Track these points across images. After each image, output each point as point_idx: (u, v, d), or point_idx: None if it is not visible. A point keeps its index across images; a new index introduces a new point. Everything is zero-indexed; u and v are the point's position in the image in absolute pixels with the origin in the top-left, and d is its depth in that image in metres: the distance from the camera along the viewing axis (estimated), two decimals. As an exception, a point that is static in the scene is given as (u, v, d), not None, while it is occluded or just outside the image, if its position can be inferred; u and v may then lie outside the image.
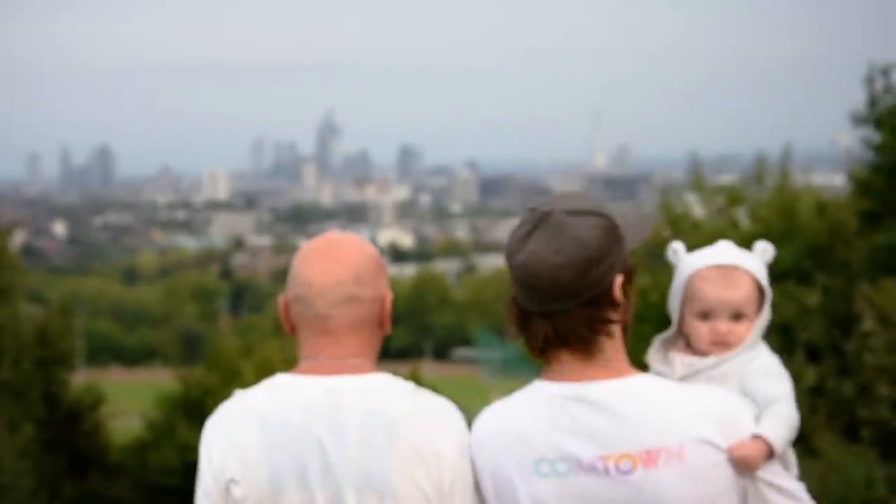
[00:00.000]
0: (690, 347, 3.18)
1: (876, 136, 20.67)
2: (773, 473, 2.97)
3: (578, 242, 2.94)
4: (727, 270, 3.15)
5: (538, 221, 2.99)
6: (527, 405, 3.03)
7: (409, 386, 3.10)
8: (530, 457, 2.96)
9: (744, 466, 2.92)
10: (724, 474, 2.92)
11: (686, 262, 3.21)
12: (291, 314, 3.18)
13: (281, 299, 3.20)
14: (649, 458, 2.90)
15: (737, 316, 3.13)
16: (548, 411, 2.98)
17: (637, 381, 2.99)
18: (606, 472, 2.91)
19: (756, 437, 2.93)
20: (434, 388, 3.27)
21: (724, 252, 3.19)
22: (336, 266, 3.12)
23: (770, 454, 2.94)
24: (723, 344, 3.13)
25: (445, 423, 3.05)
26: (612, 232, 2.99)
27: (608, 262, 2.96)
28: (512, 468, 2.97)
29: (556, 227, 2.96)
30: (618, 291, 2.98)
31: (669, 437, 2.91)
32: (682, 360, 3.15)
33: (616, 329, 3.01)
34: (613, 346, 3.01)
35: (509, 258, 3.03)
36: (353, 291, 3.11)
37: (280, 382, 3.12)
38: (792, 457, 3.08)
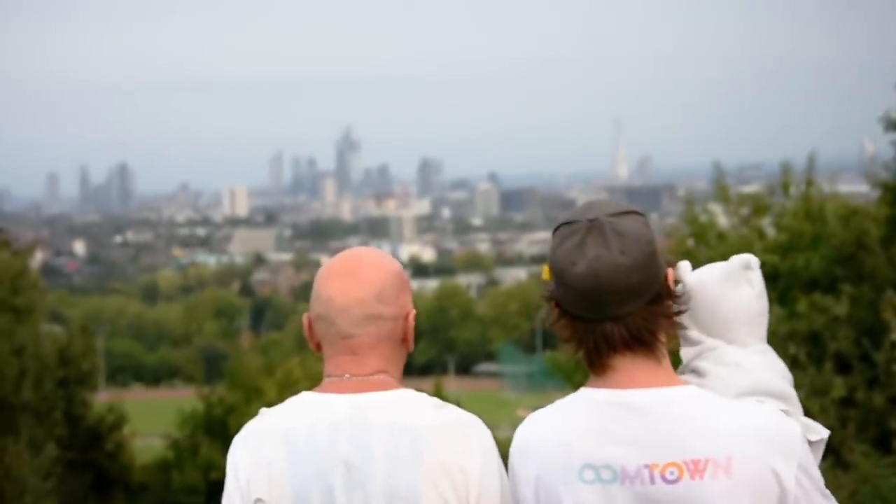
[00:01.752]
0: None
1: (905, 142, 20.46)
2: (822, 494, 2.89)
3: (639, 239, 2.89)
4: None
5: (587, 229, 2.91)
6: (570, 412, 2.97)
7: (434, 400, 3.08)
8: (574, 464, 2.90)
9: None
10: (771, 492, 2.85)
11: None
12: (315, 332, 3.16)
13: (305, 317, 3.18)
14: (696, 468, 2.83)
15: None
16: (592, 418, 2.92)
17: (685, 391, 2.93)
18: (652, 480, 2.85)
19: None
20: (457, 404, 3.19)
21: None
22: (358, 284, 3.09)
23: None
24: None
25: (471, 437, 3.01)
26: (650, 225, 2.97)
27: (660, 254, 2.94)
28: (556, 476, 2.91)
29: (612, 229, 2.89)
30: (672, 283, 2.97)
31: (718, 449, 2.84)
32: None
33: (668, 331, 2.99)
34: (663, 350, 2.98)
35: (563, 272, 2.91)
36: (376, 310, 3.09)
37: (305, 400, 3.10)
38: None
